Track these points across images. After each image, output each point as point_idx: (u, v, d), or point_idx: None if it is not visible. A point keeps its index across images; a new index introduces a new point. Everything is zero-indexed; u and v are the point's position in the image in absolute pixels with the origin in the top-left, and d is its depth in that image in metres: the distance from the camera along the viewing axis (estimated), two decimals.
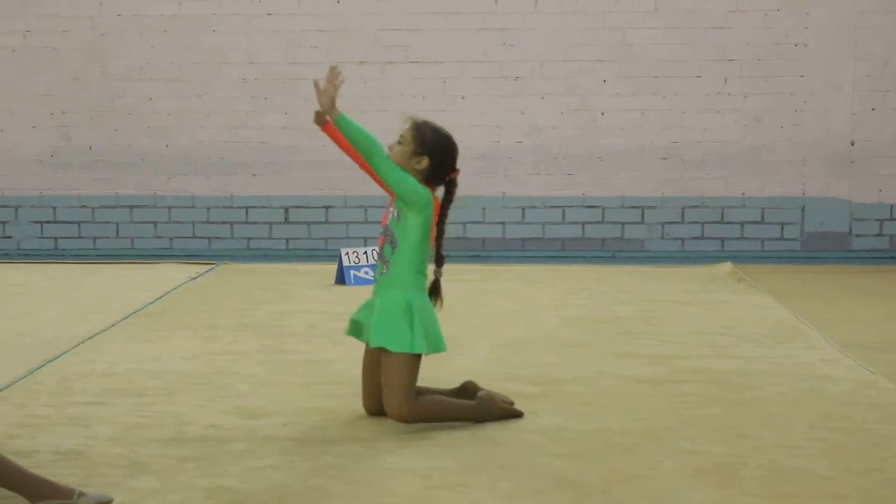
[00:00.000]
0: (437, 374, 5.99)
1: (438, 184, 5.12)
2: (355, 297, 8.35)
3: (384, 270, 5.08)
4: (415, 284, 5.06)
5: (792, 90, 10.90)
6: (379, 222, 10.83)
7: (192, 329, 7.32)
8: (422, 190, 5.02)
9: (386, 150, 5.10)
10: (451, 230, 11.25)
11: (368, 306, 5.18)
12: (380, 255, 5.13)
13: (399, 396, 4.93)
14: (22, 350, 6.51)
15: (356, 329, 5.25)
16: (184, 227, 11.26)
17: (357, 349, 6.66)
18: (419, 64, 11.01)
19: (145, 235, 11.26)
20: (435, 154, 5.08)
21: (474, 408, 5.09)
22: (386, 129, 11.19)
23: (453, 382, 5.68)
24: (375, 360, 5.07)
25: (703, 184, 11.00)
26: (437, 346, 5.07)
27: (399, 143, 5.14)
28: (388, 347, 4.97)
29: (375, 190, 11.14)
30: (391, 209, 5.15)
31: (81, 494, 4.05)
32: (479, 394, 5.15)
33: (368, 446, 4.76)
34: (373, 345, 5.03)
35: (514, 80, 11.02)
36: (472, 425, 5.05)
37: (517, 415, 5.15)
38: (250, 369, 6.18)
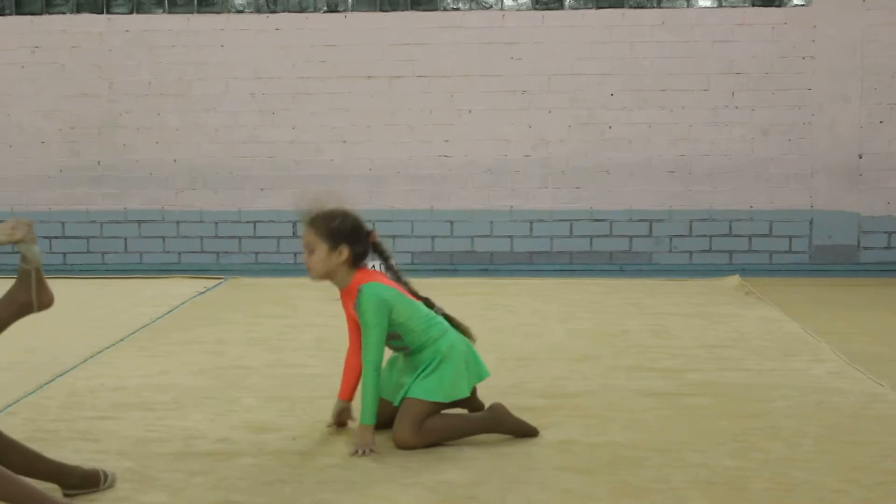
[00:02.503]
0: None
1: (364, 258, 4.97)
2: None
3: (407, 352, 5.09)
4: (433, 338, 5.03)
5: (799, 103, 10.91)
6: (387, 236, 10.84)
7: (201, 343, 7.33)
8: (380, 311, 4.87)
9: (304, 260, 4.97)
10: (459, 244, 11.29)
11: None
12: (395, 349, 5.16)
13: (406, 427, 4.91)
14: (31, 365, 6.52)
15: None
16: (192, 241, 11.28)
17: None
18: (427, 78, 11.03)
19: (154, 250, 11.28)
20: (348, 238, 4.90)
21: (486, 420, 5.08)
22: (394, 143, 11.29)
23: None
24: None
25: (711, 197, 11.00)
26: (458, 391, 5.04)
27: (310, 251, 4.91)
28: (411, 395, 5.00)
29: (382, 204, 11.23)
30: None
31: (106, 476, 4.29)
32: (494, 406, 5.12)
33: (377, 460, 4.76)
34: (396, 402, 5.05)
35: (522, 93, 11.03)
36: (480, 439, 5.05)
37: (532, 432, 5.10)
38: (259, 384, 6.18)
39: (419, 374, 4.99)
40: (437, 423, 4.96)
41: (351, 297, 4.95)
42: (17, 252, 4.02)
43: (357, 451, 4.79)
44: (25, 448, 4.23)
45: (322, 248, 4.87)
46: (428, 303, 5.18)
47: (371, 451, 4.80)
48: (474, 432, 5.04)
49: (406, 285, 5.11)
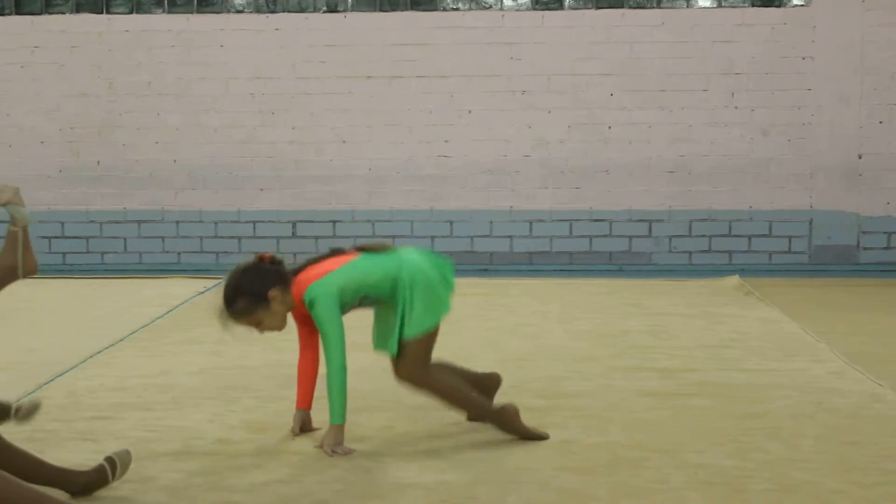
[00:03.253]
0: None
1: (284, 277, 4.86)
2: (362, 311, 8.36)
3: (381, 301, 5.09)
4: (393, 276, 4.98)
5: (799, 103, 10.91)
6: (387, 236, 10.87)
7: (201, 343, 7.33)
8: (332, 306, 4.85)
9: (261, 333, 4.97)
10: (458, 244, 11.30)
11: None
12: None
13: (408, 365, 4.98)
14: (30, 365, 6.52)
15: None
16: (191, 241, 11.28)
17: (362, 362, 6.68)
18: (426, 78, 11.04)
19: (153, 250, 11.28)
20: (262, 284, 4.80)
21: (491, 411, 5.08)
22: (394, 144, 11.29)
23: None
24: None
25: (711, 197, 11.00)
26: (442, 307, 5.07)
27: (259, 325, 4.86)
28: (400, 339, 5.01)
29: (382, 204, 11.23)
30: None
31: (113, 466, 4.31)
32: (507, 405, 5.10)
33: (376, 460, 4.77)
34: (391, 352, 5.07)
35: (522, 94, 11.03)
36: (479, 438, 5.05)
37: (542, 437, 5.07)
38: (258, 384, 6.19)
39: (402, 315, 4.98)
40: (445, 379, 5.02)
41: (300, 309, 4.93)
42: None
43: (330, 452, 4.79)
44: (28, 454, 4.23)
45: (263, 316, 4.81)
46: (361, 248, 5.09)
47: (344, 450, 4.81)
48: (472, 410, 5.12)
49: (321, 258, 5.03)
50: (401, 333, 4.98)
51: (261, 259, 4.90)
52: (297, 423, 5.13)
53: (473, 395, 5.09)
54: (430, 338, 4.99)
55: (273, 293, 4.79)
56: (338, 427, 4.84)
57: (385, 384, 5.85)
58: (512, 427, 5.05)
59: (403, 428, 5.26)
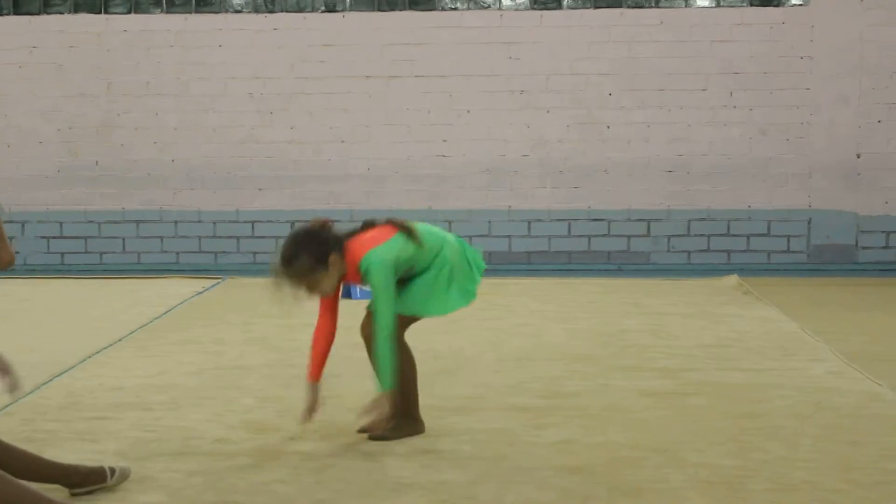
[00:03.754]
0: (445, 385, 6.01)
1: (339, 243, 4.94)
2: (362, 311, 8.37)
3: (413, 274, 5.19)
4: (437, 250, 5.23)
5: (798, 103, 10.92)
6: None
7: (199, 343, 7.33)
8: (388, 274, 4.95)
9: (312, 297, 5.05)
10: None
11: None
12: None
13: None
14: (29, 365, 6.51)
15: None
16: (190, 241, 11.28)
17: (360, 363, 6.68)
18: (425, 78, 11.04)
19: (152, 250, 11.28)
20: (324, 247, 4.89)
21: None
22: (392, 143, 11.30)
23: (461, 395, 5.71)
24: None
25: (709, 196, 11.01)
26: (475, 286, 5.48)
27: (313, 289, 4.95)
28: None
29: (380, 204, 11.23)
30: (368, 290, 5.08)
31: (113, 472, 4.31)
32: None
33: (374, 460, 4.77)
34: None
35: (520, 93, 11.04)
36: (478, 438, 5.05)
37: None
38: (257, 383, 6.19)
39: (448, 286, 5.19)
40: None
41: (350, 276, 5.02)
42: None
43: (373, 422, 4.81)
44: (24, 452, 4.24)
45: (319, 277, 4.88)
46: (390, 222, 5.14)
47: (389, 420, 4.85)
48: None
49: (362, 228, 5.09)
50: (427, 309, 5.13)
51: (322, 224, 4.96)
52: (314, 396, 5.05)
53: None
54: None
55: (333, 258, 4.85)
56: (387, 394, 4.82)
57: None
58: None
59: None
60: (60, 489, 4.25)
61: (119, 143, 11.20)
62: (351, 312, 8.40)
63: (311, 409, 5.04)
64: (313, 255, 4.84)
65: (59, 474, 4.25)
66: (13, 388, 4.03)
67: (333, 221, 5.09)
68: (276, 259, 4.95)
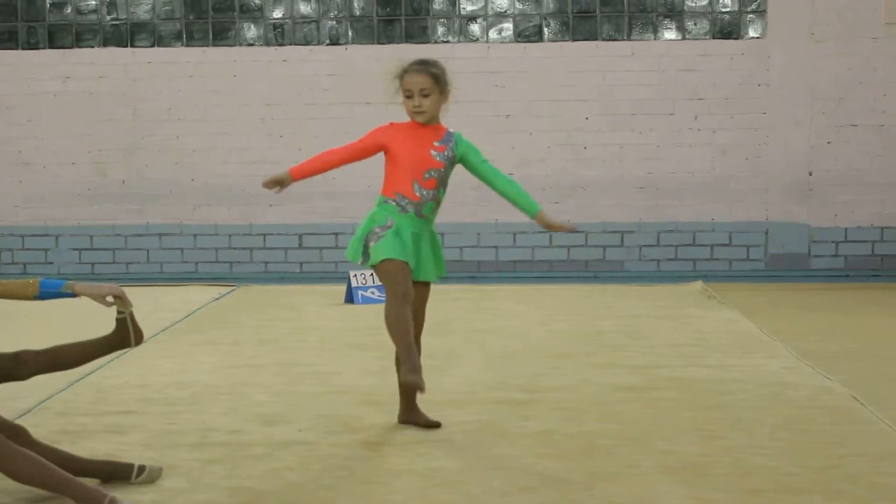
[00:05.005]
0: (437, 381, 6.01)
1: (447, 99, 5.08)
2: (363, 314, 8.38)
3: (436, 209, 5.07)
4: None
5: (755, 126, 10.94)
6: None
7: (216, 345, 7.33)
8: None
9: (415, 104, 5.00)
10: (449, 254, 11.30)
11: (412, 241, 5.04)
12: (433, 196, 5.02)
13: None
14: None
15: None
16: (207, 252, 11.27)
17: (363, 361, 6.68)
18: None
19: (173, 261, 11.27)
20: (449, 83, 5.03)
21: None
22: None
23: (452, 390, 5.71)
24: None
25: (676, 210, 11.02)
26: None
27: (425, 95, 4.96)
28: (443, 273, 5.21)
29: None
30: (444, 154, 5.01)
31: (141, 470, 4.29)
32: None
33: (375, 450, 4.77)
34: (442, 275, 5.21)
35: (506, 117, 11.05)
36: (468, 429, 5.05)
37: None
38: (268, 380, 6.18)
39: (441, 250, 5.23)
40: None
41: (433, 133, 5.01)
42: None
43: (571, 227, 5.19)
44: (59, 450, 4.23)
45: (436, 92, 4.93)
46: None
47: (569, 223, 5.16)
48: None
49: None
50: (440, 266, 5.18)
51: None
52: (283, 178, 5.49)
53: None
54: None
55: (447, 94, 4.99)
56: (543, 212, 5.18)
57: (386, 381, 5.87)
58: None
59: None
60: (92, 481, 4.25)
61: (143, 164, 11.20)
62: (354, 316, 8.42)
63: (273, 182, 5.37)
64: (445, 78, 4.99)
65: (89, 469, 4.23)
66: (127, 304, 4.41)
67: None
68: (424, 59, 5.12)
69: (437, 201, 5.02)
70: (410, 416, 5.08)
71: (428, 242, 5.09)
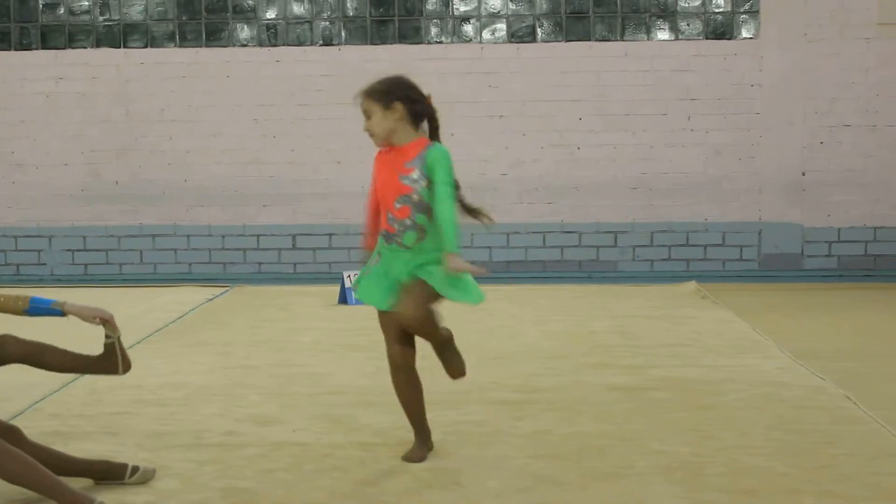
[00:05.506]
0: (432, 382, 6.01)
1: (422, 118, 4.68)
2: (357, 315, 8.38)
3: (420, 238, 4.48)
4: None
5: (749, 126, 10.95)
6: None
7: (210, 346, 7.33)
8: (450, 167, 4.51)
9: (364, 128, 4.70)
10: None
11: (387, 268, 4.56)
12: (411, 224, 4.48)
13: (412, 302, 4.47)
14: None
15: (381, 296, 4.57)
16: (201, 253, 11.26)
17: (356, 362, 6.69)
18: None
19: (166, 261, 11.26)
20: (399, 94, 4.62)
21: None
22: None
23: (447, 391, 5.71)
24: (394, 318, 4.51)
25: (670, 211, 11.03)
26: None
27: (368, 117, 4.65)
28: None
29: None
30: (411, 176, 4.50)
31: (135, 470, 4.30)
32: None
33: (368, 450, 4.77)
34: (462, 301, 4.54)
35: (500, 118, 11.05)
36: (463, 430, 5.05)
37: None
38: (262, 381, 6.18)
39: (432, 263, 4.48)
40: (435, 319, 4.59)
41: (401, 156, 4.56)
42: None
43: (463, 269, 4.37)
44: (52, 450, 4.24)
45: (377, 110, 4.60)
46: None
47: (471, 265, 4.45)
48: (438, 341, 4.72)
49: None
50: (425, 274, 4.51)
51: (428, 97, 4.78)
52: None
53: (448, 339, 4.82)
54: (434, 302, 4.59)
55: (397, 108, 4.60)
56: (456, 254, 4.37)
57: (379, 381, 5.87)
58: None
59: (394, 422, 5.26)
60: (85, 480, 4.25)
61: (137, 165, 11.19)
62: (348, 317, 8.42)
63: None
64: (387, 91, 4.65)
65: (82, 468, 4.25)
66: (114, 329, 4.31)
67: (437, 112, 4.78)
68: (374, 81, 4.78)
69: (418, 230, 4.48)
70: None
71: (409, 269, 4.51)
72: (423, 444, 4.68)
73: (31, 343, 4.28)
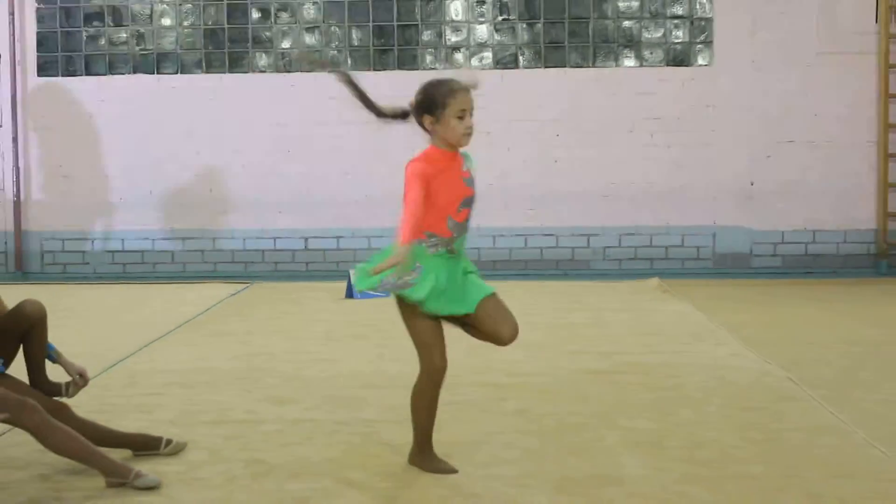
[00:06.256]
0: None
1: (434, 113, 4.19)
2: (361, 308, 8.37)
3: (464, 241, 4.16)
4: None
5: (705, 142, 10.96)
6: (380, 249, 10.86)
7: (232, 335, 7.32)
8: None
9: (468, 124, 4.17)
10: None
11: (449, 276, 4.01)
12: (466, 227, 4.13)
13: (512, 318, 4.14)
14: (98, 352, 6.50)
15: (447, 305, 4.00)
16: (225, 254, 11.24)
17: (361, 350, 6.68)
18: (410, 123, 10.98)
19: (194, 261, 11.24)
20: (424, 105, 4.23)
21: None
22: (385, 176, 11.23)
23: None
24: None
25: (636, 216, 11.03)
26: None
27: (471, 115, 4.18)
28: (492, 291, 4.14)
29: (376, 224, 11.16)
30: (471, 178, 4.18)
31: (168, 442, 4.31)
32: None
33: (372, 426, 4.77)
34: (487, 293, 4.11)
35: (486, 134, 10.99)
36: (454, 409, 5.04)
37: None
38: (279, 366, 6.18)
39: (471, 270, 4.14)
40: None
41: (459, 159, 4.22)
42: None
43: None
44: (96, 424, 4.24)
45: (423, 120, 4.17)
46: None
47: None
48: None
49: None
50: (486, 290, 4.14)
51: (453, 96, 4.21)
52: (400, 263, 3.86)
53: None
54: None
55: (426, 120, 4.24)
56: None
57: (381, 367, 5.86)
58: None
59: (395, 401, 5.26)
60: (125, 452, 4.25)
61: (168, 177, 11.16)
62: (353, 309, 8.41)
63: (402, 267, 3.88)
64: (418, 103, 4.21)
65: (122, 441, 4.25)
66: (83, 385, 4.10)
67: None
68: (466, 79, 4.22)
69: (467, 232, 4.13)
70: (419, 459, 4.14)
71: (461, 273, 4.10)
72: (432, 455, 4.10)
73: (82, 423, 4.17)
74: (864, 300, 8.88)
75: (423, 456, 4.12)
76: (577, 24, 11.00)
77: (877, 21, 10.75)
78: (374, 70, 11.06)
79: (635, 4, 10.96)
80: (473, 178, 4.14)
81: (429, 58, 11.10)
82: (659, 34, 10.98)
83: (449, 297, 3.98)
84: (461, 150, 4.19)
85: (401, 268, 3.84)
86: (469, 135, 4.08)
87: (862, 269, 10.89)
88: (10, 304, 4.37)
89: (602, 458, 4.24)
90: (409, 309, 3.97)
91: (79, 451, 3.88)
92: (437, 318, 4.00)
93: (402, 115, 4.30)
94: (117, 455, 4.10)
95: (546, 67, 11.03)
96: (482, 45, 11.07)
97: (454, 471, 4.05)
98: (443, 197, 4.03)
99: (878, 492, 3.80)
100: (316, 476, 4.04)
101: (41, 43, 11.18)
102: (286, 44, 11.12)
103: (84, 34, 11.18)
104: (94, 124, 11.18)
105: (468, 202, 4.08)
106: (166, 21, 11.18)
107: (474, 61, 11.03)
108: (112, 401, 5.26)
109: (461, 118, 4.07)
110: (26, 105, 11.21)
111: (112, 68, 11.18)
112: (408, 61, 11.08)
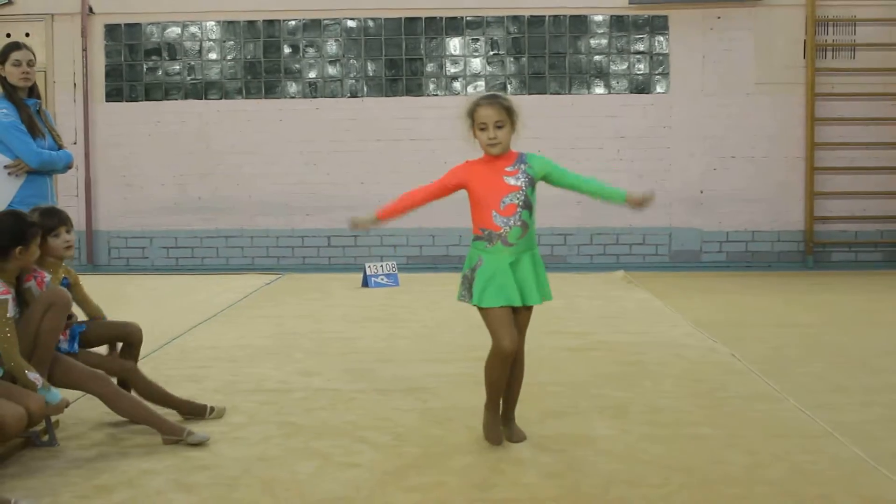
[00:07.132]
0: (429, 344, 6.01)
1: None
2: (376, 295, 8.37)
3: (523, 234, 3.88)
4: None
5: (662, 157, 10.96)
6: (391, 245, 10.87)
7: (267, 318, 7.32)
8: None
9: (490, 136, 3.90)
10: (438, 251, 11.20)
11: (510, 271, 3.81)
12: (516, 221, 3.88)
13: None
14: (156, 332, 6.50)
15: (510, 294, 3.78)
16: (261, 250, 11.24)
17: (375, 329, 6.67)
18: (417, 140, 11.04)
19: (236, 256, 11.24)
20: (517, 116, 3.94)
21: None
22: (395, 183, 11.21)
23: (441, 350, 5.69)
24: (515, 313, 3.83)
25: (605, 218, 11.03)
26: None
27: (500, 126, 3.89)
28: (549, 298, 3.88)
29: (387, 224, 11.04)
30: (516, 177, 3.93)
31: (212, 409, 4.28)
32: None
33: (385, 395, 4.77)
34: (547, 299, 3.90)
35: (480, 151, 11.01)
36: (454, 381, 5.03)
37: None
38: (306, 344, 6.18)
39: (544, 272, 3.85)
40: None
41: (503, 161, 3.94)
42: None
43: (649, 197, 3.75)
44: (160, 388, 4.25)
45: (508, 124, 3.85)
46: None
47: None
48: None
49: None
50: (545, 291, 3.87)
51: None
52: (369, 221, 3.92)
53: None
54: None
55: (516, 125, 3.92)
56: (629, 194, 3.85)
57: (392, 344, 5.84)
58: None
59: (404, 373, 5.27)
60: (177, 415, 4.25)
61: (214, 185, 11.16)
62: (369, 297, 8.41)
63: (359, 224, 3.95)
64: (514, 110, 3.93)
65: (176, 405, 4.25)
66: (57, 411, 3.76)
67: None
68: (495, 93, 4.04)
69: (523, 226, 3.86)
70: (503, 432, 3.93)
71: (529, 267, 3.87)
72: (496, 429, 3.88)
73: (149, 386, 4.18)
74: (795, 290, 8.88)
75: (486, 418, 3.90)
76: (556, 58, 10.99)
77: (804, 57, 10.77)
78: (386, 96, 11.04)
79: (604, 42, 10.96)
80: (529, 175, 3.89)
81: (432, 86, 11.09)
82: (624, 67, 10.97)
83: (509, 286, 3.76)
84: (524, 152, 3.98)
85: (466, 262, 3.84)
86: (492, 145, 3.87)
87: (793, 263, 10.90)
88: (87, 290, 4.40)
89: (576, 421, 4.25)
90: None
91: (141, 414, 3.89)
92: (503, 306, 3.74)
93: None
94: (171, 418, 4.10)
95: (530, 94, 11.02)
96: (476, 76, 11.06)
97: (499, 442, 3.84)
98: (482, 194, 3.87)
99: (806, 448, 3.81)
100: (337, 436, 4.03)
101: (109, 74, 11.16)
102: (312, 74, 11.11)
103: (144, 66, 11.17)
104: (151, 141, 11.17)
105: (514, 198, 3.86)
106: (212, 55, 11.17)
107: (470, 88, 11.02)
108: (167, 372, 5.26)
109: (483, 129, 3.91)
110: (96, 125, 11.20)
111: (167, 95, 11.16)
112: (414, 89, 11.07)
